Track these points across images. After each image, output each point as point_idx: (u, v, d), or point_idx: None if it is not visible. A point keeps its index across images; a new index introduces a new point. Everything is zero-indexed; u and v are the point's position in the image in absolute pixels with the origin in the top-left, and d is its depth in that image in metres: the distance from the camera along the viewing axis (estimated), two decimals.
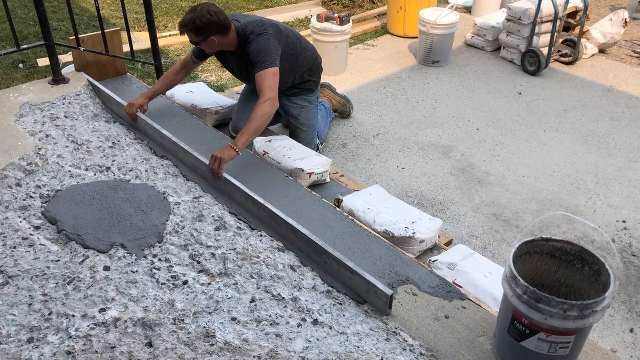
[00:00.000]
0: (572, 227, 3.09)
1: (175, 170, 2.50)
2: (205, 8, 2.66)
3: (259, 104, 2.61)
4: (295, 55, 3.05)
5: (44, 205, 2.21)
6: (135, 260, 1.97)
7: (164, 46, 5.16)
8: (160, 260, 1.98)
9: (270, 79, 2.69)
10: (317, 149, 3.48)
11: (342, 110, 4.08)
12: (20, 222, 2.11)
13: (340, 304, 1.84)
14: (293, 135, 3.30)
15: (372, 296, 1.83)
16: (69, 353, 1.60)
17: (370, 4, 6.49)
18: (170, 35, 5.43)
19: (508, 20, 5.02)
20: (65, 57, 4.33)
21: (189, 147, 2.55)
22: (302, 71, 3.12)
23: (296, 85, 3.16)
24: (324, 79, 3.58)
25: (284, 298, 1.85)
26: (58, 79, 3.09)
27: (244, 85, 3.44)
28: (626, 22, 5.20)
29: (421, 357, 1.67)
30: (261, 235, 2.13)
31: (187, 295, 1.83)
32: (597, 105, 4.42)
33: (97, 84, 3.08)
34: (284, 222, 2.11)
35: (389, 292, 1.77)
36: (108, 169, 2.47)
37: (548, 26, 4.88)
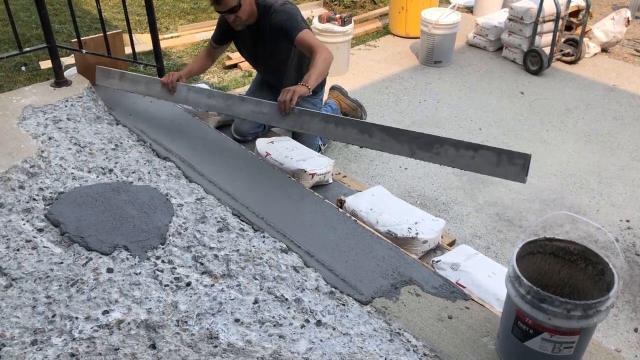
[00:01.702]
0: (575, 227, 3.08)
1: (178, 172, 2.50)
2: None
3: (317, 53, 2.72)
4: (300, 59, 3.09)
5: (47, 207, 2.21)
6: (138, 262, 1.97)
7: (165, 48, 5.16)
8: (163, 261, 1.98)
9: (310, 36, 2.82)
10: (319, 150, 3.48)
11: (353, 115, 3.98)
12: (23, 224, 2.12)
13: (344, 305, 1.84)
14: (295, 136, 3.30)
15: (506, 165, 1.77)
16: (72, 355, 1.61)
17: (372, 5, 6.49)
18: (172, 37, 5.44)
19: (510, 19, 5.01)
20: (68, 60, 4.34)
21: (245, 95, 2.53)
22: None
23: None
24: (328, 80, 3.59)
25: (287, 299, 1.85)
26: (60, 82, 3.09)
27: (247, 86, 3.46)
28: (628, 21, 5.19)
29: (424, 358, 1.67)
30: (264, 237, 2.13)
31: (190, 296, 1.83)
32: (600, 104, 4.41)
33: (115, 72, 3.13)
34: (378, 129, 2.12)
35: (525, 154, 1.72)
36: (110, 170, 2.47)
37: (550, 25, 4.88)
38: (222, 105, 2.62)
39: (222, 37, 3.14)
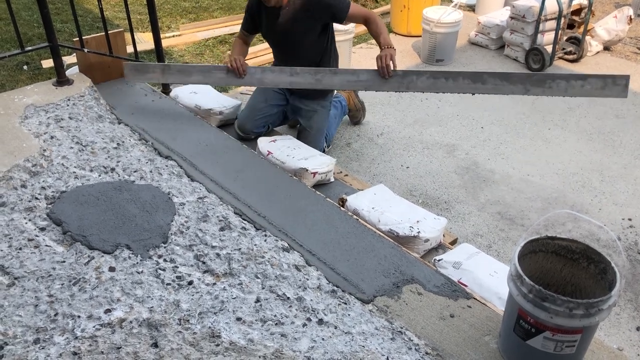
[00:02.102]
0: (578, 225, 3.08)
1: (180, 171, 2.50)
2: None
3: (375, 20, 2.96)
4: (329, 50, 3.10)
5: (49, 206, 2.22)
6: (140, 260, 1.97)
7: (167, 47, 5.16)
8: (165, 260, 1.98)
9: (358, 8, 2.99)
10: (323, 151, 3.47)
11: (353, 115, 3.98)
12: (26, 223, 2.12)
13: (345, 304, 1.84)
14: (300, 137, 3.28)
15: (611, 87, 2.19)
16: (74, 354, 1.61)
17: (373, 3, 6.49)
18: (173, 36, 5.44)
19: (512, 18, 5.00)
20: (69, 59, 4.34)
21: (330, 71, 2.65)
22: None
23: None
24: None
25: (288, 298, 1.85)
26: (62, 81, 3.10)
27: (254, 88, 3.46)
28: (630, 19, 5.18)
29: (426, 356, 1.67)
30: (266, 235, 2.13)
31: (192, 295, 1.84)
32: (602, 103, 4.40)
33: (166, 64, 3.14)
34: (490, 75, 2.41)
35: (625, 75, 2.26)
36: (112, 169, 2.48)
37: (552, 24, 4.87)
38: (311, 80, 2.68)
39: (252, 23, 3.17)
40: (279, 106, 3.35)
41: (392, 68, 2.76)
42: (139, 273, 1.91)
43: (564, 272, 1.69)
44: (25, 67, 4.66)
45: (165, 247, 2.04)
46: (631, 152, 3.78)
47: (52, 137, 2.65)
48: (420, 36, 5.29)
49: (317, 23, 3.00)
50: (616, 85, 2.34)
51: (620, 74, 2.41)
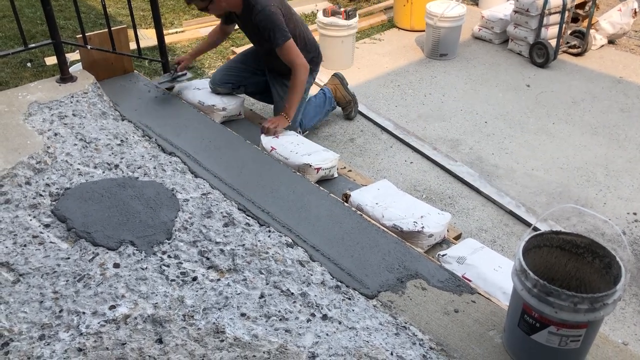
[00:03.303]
0: (582, 220, 3.07)
1: (183, 167, 2.51)
2: None
3: (294, 75, 2.99)
4: (302, 40, 3.20)
5: (53, 203, 2.22)
6: (145, 257, 1.97)
7: (170, 43, 5.16)
8: (169, 256, 1.98)
9: (291, 49, 2.99)
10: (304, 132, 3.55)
11: (344, 107, 3.93)
12: (30, 220, 2.13)
13: (349, 299, 1.84)
14: (275, 109, 3.43)
15: None
16: (79, 350, 1.62)
17: None
18: (176, 32, 5.43)
19: (515, 12, 4.98)
20: (73, 56, 4.34)
21: None
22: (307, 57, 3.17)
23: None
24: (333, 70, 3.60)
25: (292, 293, 1.85)
26: (65, 77, 3.10)
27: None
28: (635, 12, 5.14)
29: (431, 351, 1.67)
30: (269, 231, 2.13)
31: (197, 291, 1.84)
32: (607, 97, 4.38)
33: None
34: None
35: None
36: (116, 166, 2.48)
37: (556, 17, 4.84)
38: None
39: (229, 18, 3.30)
40: (255, 74, 3.47)
41: (273, 134, 2.92)
42: (143, 269, 1.92)
43: (569, 267, 1.69)
44: (28, 64, 4.67)
45: (169, 243, 2.04)
46: (636, 146, 3.76)
47: (56, 134, 2.66)
48: (423, 31, 5.26)
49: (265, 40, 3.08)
50: None
51: None
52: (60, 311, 1.74)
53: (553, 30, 4.87)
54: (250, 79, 3.48)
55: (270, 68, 3.38)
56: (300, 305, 1.81)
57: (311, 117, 3.59)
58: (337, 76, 3.88)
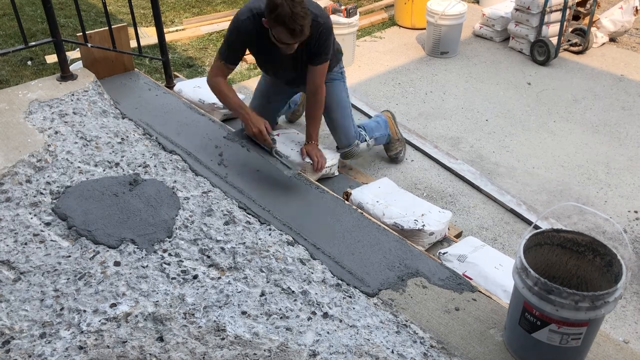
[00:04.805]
0: (583, 218, 3.06)
1: (184, 165, 2.50)
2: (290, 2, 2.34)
3: (319, 100, 2.75)
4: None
5: (54, 201, 2.22)
6: (145, 255, 1.97)
7: (170, 41, 5.16)
8: (170, 254, 1.98)
9: (325, 70, 2.75)
10: (367, 145, 3.18)
11: (393, 142, 3.46)
12: (31, 218, 2.13)
13: (350, 297, 1.84)
14: (327, 118, 3.03)
15: None
16: (80, 348, 1.62)
17: None
18: (177, 30, 5.43)
19: (516, 9, 4.97)
20: (73, 54, 4.34)
21: None
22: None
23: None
24: None
25: (293, 291, 1.85)
26: (66, 76, 3.10)
27: (252, 79, 3.37)
28: (637, 10, 5.13)
29: (431, 349, 1.67)
30: (270, 229, 2.13)
31: (197, 289, 1.84)
32: (608, 95, 4.38)
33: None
34: None
35: None
36: (117, 164, 2.48)
37: (557, 15, 4.83)
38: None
39: (240, 54, 2.75)
40: (283, 100, 3.28)
41: (324, 163, 2.73)
42: (144, 267, 1.92)
43: (570, 265, 1.69)
44: (29, 62, 4.67)
45: (170, 242, 2.04)
46: (637, 144, 3.76)
47: (56, 132, 2.66)
48: (424, 29, 5.26)
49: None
50: None
51: None
52: (61, 309, 1.74)
53: (554, 28, 4.86)
54: (281, 107, 3.32)
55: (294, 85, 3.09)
56: (301, 303, 1.81)
57: (374, 129, 3.28)
58: (389, 111, 3.54)
